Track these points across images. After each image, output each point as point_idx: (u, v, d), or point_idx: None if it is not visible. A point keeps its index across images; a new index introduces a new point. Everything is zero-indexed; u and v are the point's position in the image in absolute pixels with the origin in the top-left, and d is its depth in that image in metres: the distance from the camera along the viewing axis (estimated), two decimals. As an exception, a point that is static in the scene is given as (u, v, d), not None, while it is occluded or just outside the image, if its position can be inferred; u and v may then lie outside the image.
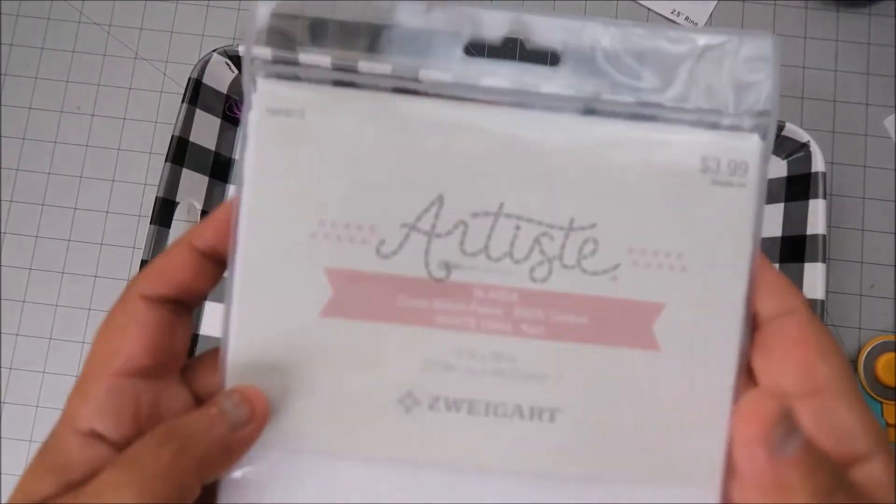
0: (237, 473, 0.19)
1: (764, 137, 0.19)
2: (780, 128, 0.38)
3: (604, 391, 0.19)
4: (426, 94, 0.19)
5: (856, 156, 0.44)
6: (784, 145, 0.40)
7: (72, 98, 0.45)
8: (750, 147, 0.19)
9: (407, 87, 0.19)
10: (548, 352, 0.19)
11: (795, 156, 0.40)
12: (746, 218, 0.19)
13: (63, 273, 0.44)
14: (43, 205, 0.44)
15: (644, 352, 0.19)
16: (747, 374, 0.19)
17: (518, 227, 0.19)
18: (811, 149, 0.38)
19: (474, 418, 0.19)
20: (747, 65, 0.19)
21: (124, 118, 0.45)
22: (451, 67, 0.19)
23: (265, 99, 0.19)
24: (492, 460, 0.19)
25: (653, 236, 0.19)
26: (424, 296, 0.19)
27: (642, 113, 0.19)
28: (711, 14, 0.46)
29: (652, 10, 0.46)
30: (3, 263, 0.44)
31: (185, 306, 0.19)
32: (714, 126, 0.19)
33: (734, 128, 0.19)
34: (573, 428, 0.19)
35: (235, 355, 0.19)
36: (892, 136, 0.44)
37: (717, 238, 0.19)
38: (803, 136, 0.38)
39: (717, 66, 0.19)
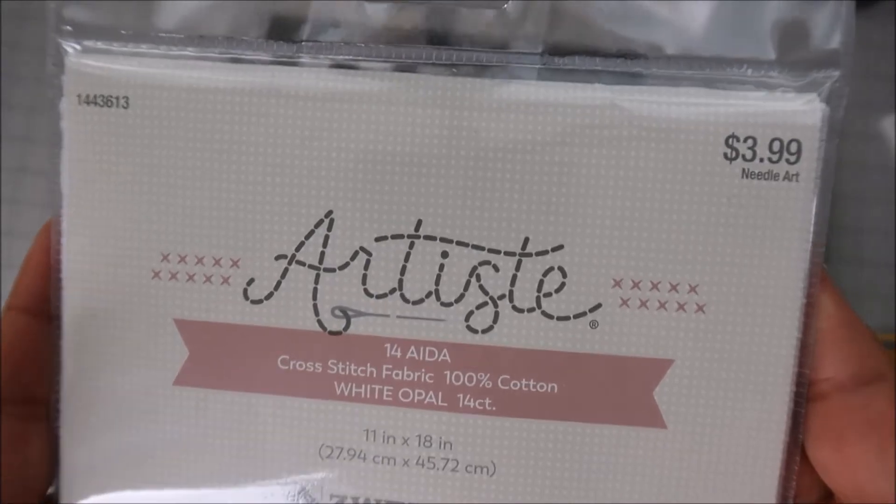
0: None
1: (827, 100, 0.12)
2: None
3: (582, 489, 0.13)
4: (308, 63, 0.13)
5: (856, 156, 0.44)
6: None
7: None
8: (805, 116, 0.12)
9: (281, 55, 0.13)
10: (498, 433, 0.13)
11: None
12: (799, 228, 0.13)
13: (63, 273, 0.44)
14: (44, 205, 0.45)
15: (642, 430, 0.13)
16: (801, 461, 0.13)
17: (445, 255, 0.13)
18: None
19: None
20: None
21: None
22: (343, 19, 0.13)
23: (76, 82, 0.13)
24: None
25: (651, 261, 0.13)
26: (316, 356, 0.14)
27: (632, 72, 0.13)
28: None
29: None
30: (3, 263, 0.44)
31: (37, 404, 0.14)
32: (747, 86, 0.12)
33: (779, 87, 0.13)
34: None
35: (69, 444, 0.14)
36: (892, 135, 0.44)
37: (753, 261, 0.13)
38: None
39: None
